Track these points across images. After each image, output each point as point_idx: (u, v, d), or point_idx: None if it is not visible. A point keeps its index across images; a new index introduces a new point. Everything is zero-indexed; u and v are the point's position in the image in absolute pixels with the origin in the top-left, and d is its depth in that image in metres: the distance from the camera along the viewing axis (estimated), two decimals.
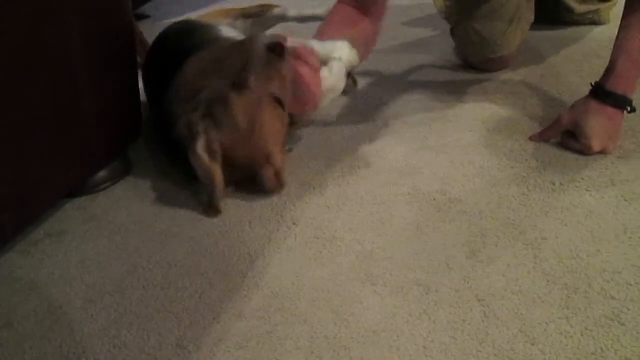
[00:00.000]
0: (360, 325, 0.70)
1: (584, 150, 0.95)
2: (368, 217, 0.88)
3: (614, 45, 0.96)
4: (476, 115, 1.13)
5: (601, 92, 0.95)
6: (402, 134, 1.09)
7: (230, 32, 1.11)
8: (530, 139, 1.02)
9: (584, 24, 1.43)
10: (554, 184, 0.89)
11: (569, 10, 1.42)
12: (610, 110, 0.94)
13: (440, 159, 0.99)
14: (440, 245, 0.81)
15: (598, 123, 0.94)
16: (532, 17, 1.28)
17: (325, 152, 1.06)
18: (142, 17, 2.16)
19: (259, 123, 0.89)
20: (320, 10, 1.43)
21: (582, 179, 0.90)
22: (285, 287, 0.77)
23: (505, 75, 1.27)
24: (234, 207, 0.94)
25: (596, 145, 0.94)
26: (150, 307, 0.76)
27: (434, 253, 0.80)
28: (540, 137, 1.02)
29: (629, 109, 0.95)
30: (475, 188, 0.91)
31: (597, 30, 1.41)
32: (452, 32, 1.36)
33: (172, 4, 2.13)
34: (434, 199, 0.90)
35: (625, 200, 0.85)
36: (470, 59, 1.31)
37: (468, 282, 0.75)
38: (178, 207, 0.95)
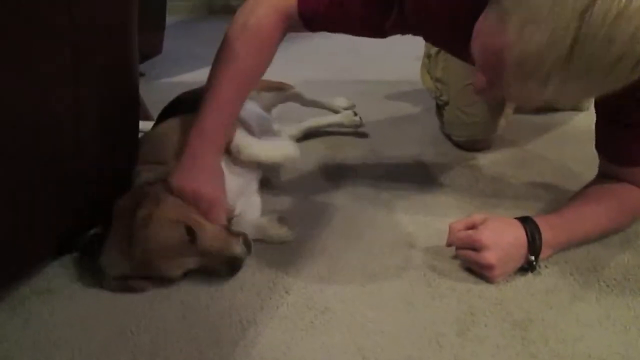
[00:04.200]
0: None
1: (473, 241, 0.89)
2: (360, 289, 0.90)
3: (574, 202, 0.96)
4: (464, 193, 1.17)
5: (523, 217, 0.92)
6: (393, 206, 1.12)
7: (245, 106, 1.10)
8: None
9: (565, 110, 1.52)
10: (539, 267, 0.92)
11: None
12: (516, 223, 0.90)
13: (430, 234, 1.02)
14: (431, 322, 0.83)
15: (497, 223, 0.90)
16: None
17: (316, 222, 1.08)
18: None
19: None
20: (339, 102, 1.51)
21: (566, 262, 0.93)
22: (277, 359, 0.77)
23: (490, 155, 1.33)
24: None
25: (484, 238, 0.87)
26: None
27: (425, 329, 0.81)
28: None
29: (532, 249, 0.89)
30: (464, 265, 0.93)
31: (577, 116, 1.50)
32: (440, 112, 1.43)
33: (168, 65, 2.18)
34: (424, 274, 0.92)
35: (607, 286, 0.88)
36: (457, 138, 1.37)
37: None
38: None
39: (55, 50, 0.80)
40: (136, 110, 1.07)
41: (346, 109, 1.50)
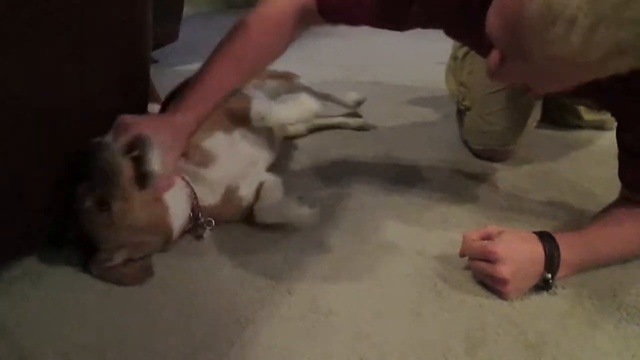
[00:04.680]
0: None
1: (486, 253, 0.84)
2: (366, 295, 0.85)
3: (596, 219, 0.92)
4: (479, 203, 1.13)
5: (542, 232, 0.88)
6: (404, 211, 1.08)
7: (251, 93, 1.09)
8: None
9: (588, 128, 1.47)
10: (555, 287, 0.87)
11: (577, 116, 1.46)
12: (534, 238, 0.86)
13: (442, 242, 0.98)
14: (439, 336, 0.78)
15: (513, 236, 0.86)
16: (539, 116, 1.32)
17: (324, 222, 1.03)
18: (151, 61, 2.21)
19: None
20: (348, 97, 1.49)
21: (584, 284, 0.89)
22: None
23: (509, 168, 1.29)
24: (228, 266, 0.90)
25: (499, 250, 0.83)
26: None
27: (433, 343, 0.77)
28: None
29: (549, 265, 0.84)
30: (476, 278, 0.89)
31: (601, 136, 1.45)
32: (460, 117, 1.39)
33: (183, 53, 2.15)
34: (435, 284, 0.88)
35: (627, 314, 0.83)
36: (475, 146, 1.33)
37: None
38: (169, 260, 0.91)
39: (61, 30, 0.77)
40: (145, 91, 1.03)
41: (357, 102, 1.49)
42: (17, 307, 0.80)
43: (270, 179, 1.05)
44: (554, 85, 0.74)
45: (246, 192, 1.00)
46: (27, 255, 0.89)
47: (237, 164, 1.00)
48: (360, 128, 1.49)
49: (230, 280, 0.87)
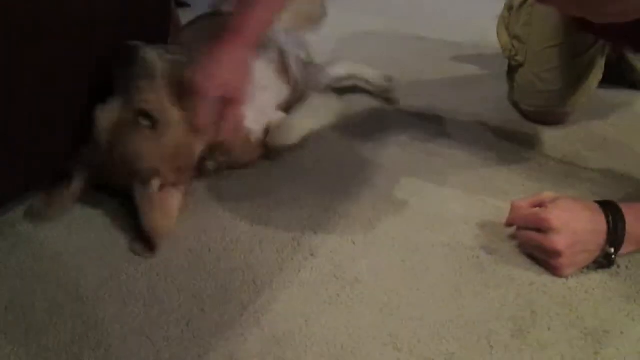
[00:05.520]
0: None
1: (538, 221, 0.74)
2: (398, 265, 0.75)
3: None
4: (530, 170, 1.00)
5: (605, 202, 0.76)
6: (445, 175, 0.96)
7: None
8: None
9: None
10: (618, 267, 0.75)
11: None
12: (594, 207, 0.74)
13: (487, 212, 0.86)
14: (482, 316, 0.68)
15: (571, 203, 0.75)
16: (601, 75, 1.17)
17: (356, 180, 0.93)
18: (183, 4, 2.13)
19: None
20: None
21: None
22: (291, 333, 0.64)
23: (562, 131, 1.15)
24: (246, 222, 0.81)
25: (553, 218, 0.72)
26: (126, 327, 0.63)
27: (474, 324, 0.67)
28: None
29: (612, 241, 0.73)
30: (524, 251, 0.78)
31: None
32: (511, 75, 1.24)
33: None
34: (477, 257, 0.77)
35: None
36: (526, 107, 1.19)
37: None
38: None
39: None
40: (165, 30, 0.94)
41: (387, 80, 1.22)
42: (15, 251, 0.74)
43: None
44: (613, 6, 0.62)
45: (253, 125, 0.91)
46: (31, 194, 0.82)
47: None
48: (385, 92, 1.22)
49: (247, 237, 0.78)
